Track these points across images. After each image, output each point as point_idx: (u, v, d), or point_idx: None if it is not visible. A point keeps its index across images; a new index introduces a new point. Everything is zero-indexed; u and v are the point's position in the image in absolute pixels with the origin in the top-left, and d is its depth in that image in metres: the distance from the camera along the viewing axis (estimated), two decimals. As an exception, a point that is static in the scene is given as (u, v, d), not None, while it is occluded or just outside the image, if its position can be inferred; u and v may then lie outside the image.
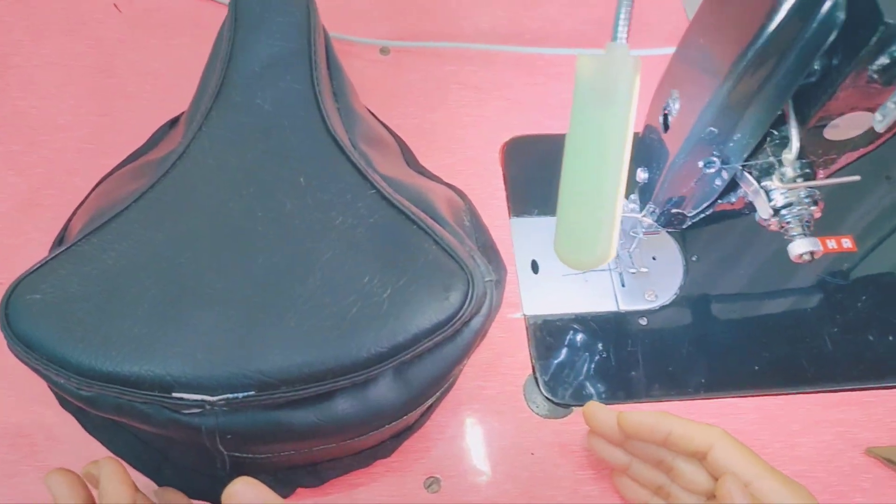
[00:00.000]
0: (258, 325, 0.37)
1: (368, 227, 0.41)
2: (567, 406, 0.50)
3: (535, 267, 0.55)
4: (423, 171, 0.55)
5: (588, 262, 0.34)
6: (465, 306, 0.39)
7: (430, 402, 0.44)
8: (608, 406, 0.44)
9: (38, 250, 0.51)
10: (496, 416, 0.49)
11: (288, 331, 0.37)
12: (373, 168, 0.45)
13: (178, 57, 0.62)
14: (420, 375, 0.40)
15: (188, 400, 0.36)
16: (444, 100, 0.62)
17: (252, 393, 0.36)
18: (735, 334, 0.53)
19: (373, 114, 0.56)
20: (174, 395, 0.36)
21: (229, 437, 0.37)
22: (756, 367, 0.52)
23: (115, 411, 0.37)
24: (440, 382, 0.41)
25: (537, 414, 0.50)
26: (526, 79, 0.64)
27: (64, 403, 0.45)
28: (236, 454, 0.39)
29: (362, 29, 0.64)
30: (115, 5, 0.65)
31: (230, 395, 0.36)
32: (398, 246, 0.41)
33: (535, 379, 0.51)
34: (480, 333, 0.41)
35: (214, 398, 0.36)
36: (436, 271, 0.40)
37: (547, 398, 0.50)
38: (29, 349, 0.37)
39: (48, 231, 0.51)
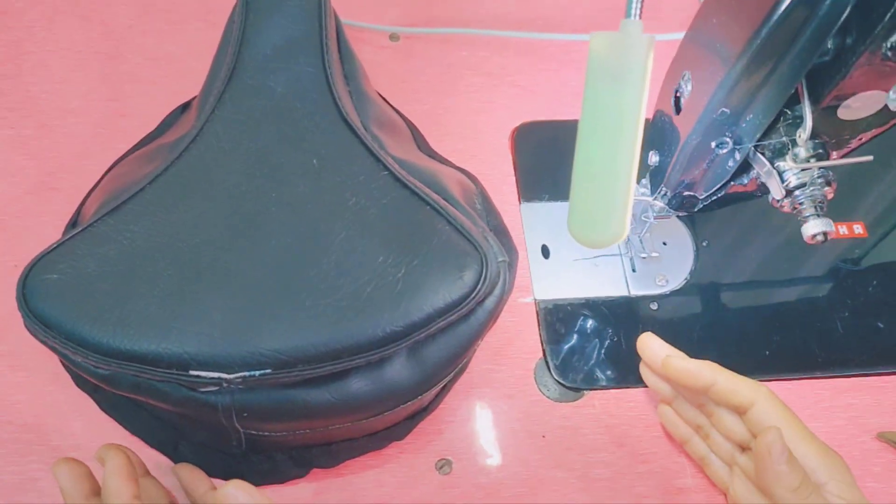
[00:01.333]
0: (274, 304, 0.38)
1: (382, 207, 0.42)
2: (578, 390, 0.50)
3: (545, 252, 0.55)
4: (433, 155, 0.55)
5: (602, 240, 0.34)
6: (479, 286, 0.39)
7: (444, 382, 0.44)
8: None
9: (51, 233, 0.51)
10: (507, 400, 0.50)
11: (303, 310, 0.37)
12: (385, 150, 0.45)
13: (188, 42, 0.62)
14: (434, 355, 0.40)
15: (205, 378, 0.36)
16: (454, 86, 0.62)
17: (269, 371, 0.36)
18: (746, 319, 0.53)
19: (384, 98, 0.56)
20: (191, 372, 0.36)
21: (245, 414, 0.38)
22: (767, 353, 0.52)
23: (132, 389, 0.38)
24: (454, 362, 0.41)
25: (548, 397, 0.50)
26: (537, 65, 0.63)
27: (80, 383, 0.46)
28: (252, 432, 0.40)
29: (372, 15, 0.64)
30: (126, -8, 0.65)
31: (247, 374, 0.36)
32: (412, 226, 0.41)
33: (546, 363, 0.51)
34: (494, 314, 0.41)
35: (231, 376, 0.36)
36: (449, 251, 0.40)
37: (557, 382, 0.50)
38: (47, 328, 0.37)
39: (61, 214, 0.52)
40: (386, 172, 0.43)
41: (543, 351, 0.51)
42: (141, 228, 0.40)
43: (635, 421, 0.49)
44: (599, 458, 0.48)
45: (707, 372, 0.42)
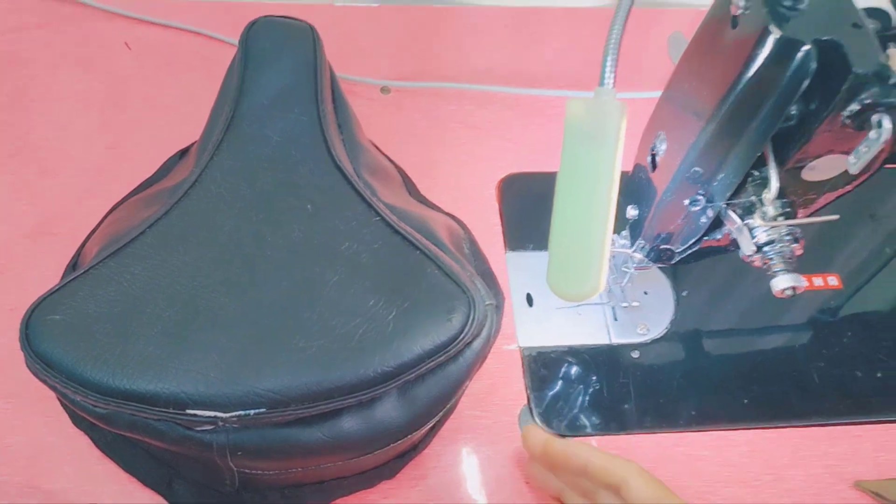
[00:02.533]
0: (269, 345, 0.39)
1: (373, 252, 0.43)
2: (562, 436, 0.51)
3: (529, 300, 0.57)
4: (424, 201, 0.57)
5: (579, 294, 0.36)
6: (467, 328, 0.41)
7: (433, 422, 0.46)
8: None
9: (50, 277, 0.53)
10: (492, 446, 0.50)
11: (297, 351, 0.39)
12: (377, 197, 0.47)
13: (186, 92, 0.64)
14: (424, 395, 0.41)
15: (202, 416, 0.37)
16: (442, 138, 0.64)
17: (263, 410, 0.38)
18: (725, 368, 0.55)
19: (376, 146, 0.59)
20: (188, 412, 0.37)
21: (240, 453, 0.39)
22: (745, 401, 0.53)
23: (129, 428, 0.39)
24: (443, 402, 0.43)
25: (531, 444, 0.51)
26: (522, 118, 0.66)
27: (76, 421, 0.47)
28: (245, 470, 0.41)
29: (365, 69, 0.66)
30: (126, 44, 0.68)
31: (242, 412, 0.37)
32: (402, 270, 0.43)
33: (530, 409, 0.52)
34: (481, 355, 0.43)
35: (227, 415, 0.37)
36: (438, 295, 0.42)
37: (541, 428, 0.51)
38: (48, 367, 0.38)
39: (59, 258, 0.53)
40: (377, 218, 0.45)
41: (528, 397, 0.52)
42: (141, 271, 0.42)
43: (616, 468, 0.50)
44: (581, 505, 0.49)
45: (583, 452, 0.43)
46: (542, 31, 0.73)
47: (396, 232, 0.45)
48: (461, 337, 0.40)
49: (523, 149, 0.64)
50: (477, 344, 0.42)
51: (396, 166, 0.59)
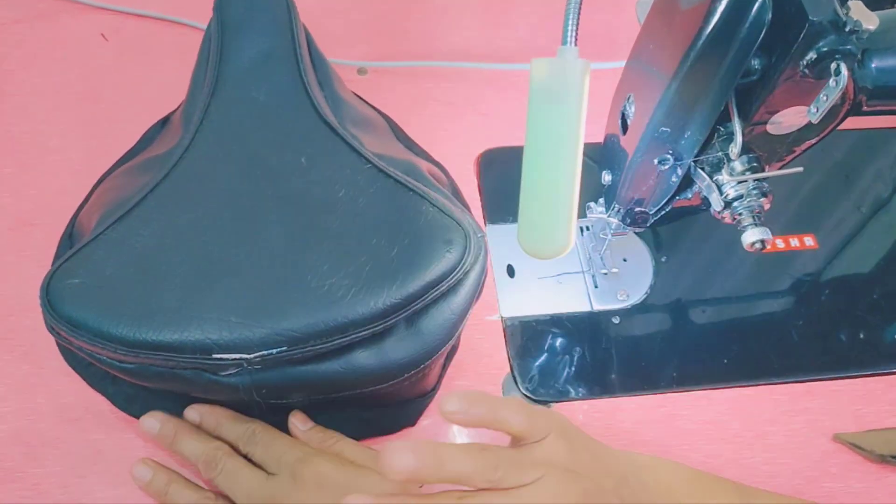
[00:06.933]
0: (283, 288, 0.41)
1: (369, 196, 0.45)
2: (545, 402, 0.52)
3: (510, 271, 0.57)
4: (411, 146, 0.59)
5: (549, 251, 0.36)
6: (465, 257, 0.44)
7: (441, 359, 0.47)
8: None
9: (33, 266, 0.53)
10: (476, 414, 0.51)
11: (311, 291, 0.41)
12: (364, 147, 0.49)
13: (163, 80, 0.65)
14: (429, 325, 0.44)
15: (227, 360, 0.39)
16: (420, 116, 0.64)
17: (284, 349, 0.40)
18: (705, 330, 0.56)
19: (359, 96, 0.60)
20: (214, 356, 0.39)
21: (264, 390, 0.42)
22: (726, 361, 0.54)
23: (157, 379, 0.41)
24: (447, 333, 0.45)
25: (515, 411, 0.51)
26: (499, 94, 0.66)
27: (94, 382, 0.48)
28: (271, 401, 0.43)
29: (341, 51, 0.67)
30: (102, 35, 0.68)
31: (265, 352, 0.40)
32: (398, 210, 0.45)
33: (514, 377, 0.53)
34: (479, 284, 0.46)
35: (251, 356, 0.39)
36: (435, 229, 0.44)
37: (525, 395, 0.52)
38: (75, 328, 0.40)
39: (41, 248, 0.54)
40: (369, 165, 0.47)
41: (511, 366, 0.53)
42: (150, 232, 0.43)
43: (602, 430, 0.51)
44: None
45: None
46: (513, 9, 0.73)
47: (389, 176, 0.47)
48: (461, 265, 0.43)
49: (500, 123, 0.64)
50: (474, 273, 0.45)
51: (381, 114, 0.61)
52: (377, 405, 0.48)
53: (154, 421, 0.44)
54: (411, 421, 0.50)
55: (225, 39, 0.52)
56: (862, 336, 0.56)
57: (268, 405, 0.44)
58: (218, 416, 0.45)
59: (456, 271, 0.43)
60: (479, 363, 0.53)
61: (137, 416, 0.46)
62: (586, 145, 0.38)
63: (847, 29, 0.35)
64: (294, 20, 0.53)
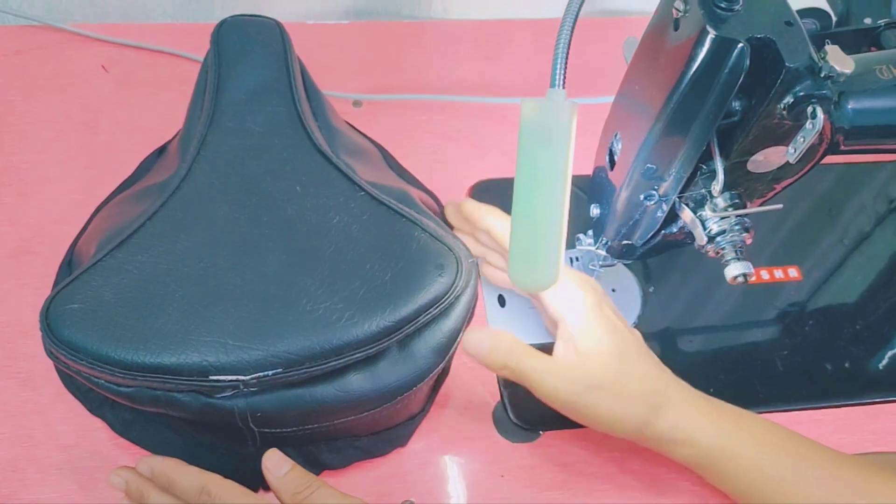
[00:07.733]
0: (279, 311, 0.42)
1: (363, 223, 0.47)
2: (535, 430, 0.53)
3: (501, 301, 0.58)
4: (403, 174, 0.61)
5: (538, 284, 0.37)
6: (457, 281, 0.45)
7: (431, 380, 0.48)
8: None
9: (32, 294, 0.54)
10: (467, 442, 0.52)
11: (305, 314, 0.42)
12: (357, 175, 0.50)
13: (161, 112, 0.66)
14: (422, 348, 0.45)
15: (224, 381, 0.40)
16: (414, 147, 0.66)
17: (280, 370, 0.41)
18: (691, 359, 0.57)
19: (352, 126, 0.61)
20: (211, 378, 0.40)
21: (259, 415, 0.42)
22: (711, 390, 0.54)
23: (153, 403, 0.42)
24: (439, 355, 0.46)
25: (506, 439, 0.52)
26: (491, 127, 0.68)
27: (94, 408, 0.49)
28: (266, 430, 0.44)
29: (337, 84, 0.68)
30: (103, 66, 0.69)
31: (261, 374, 0.41)
32: (391, 236, 0.46)
33: (504, 406, 0.53)
34: (469, 308, 0.47)
35: (247, 378, 0.40)
36: (427, 254, 0.46)
37: (515, 424, 0.53)
38: (73, 352, 0.41)
39: (40, 276, 0.54)
40: (362, 193, 0.49)
41: (501, 395, 0.54)
42: (148, 259, 0.44)
43: (591, 458, 0.52)
44: (557, 496, 0.50)
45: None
46: (507, 43, 0.75)
47: (381, 203, 0.48)
48: (452, 289, 0.45)
49: (492, 156, 0.66)
50: (465, 297, 0.46)
51: (374, 143, 0.63)
52: (368, 433, 0.49)
53: (120, 480, 0.44)
54: (402, 442, 0.51)
55: (221, 71, 0.53)
56: (846, 366, 0.57)
57: (262, 434, 0.44)
58: (169, 472, 0.43)
59: (448, 295, 0.45)
60: (471, 392, 0.54)
61: (135, 442, 0.46)
62: (576, 177, 0.39)
63: (822, 74, 0.36)
64: (289, 53, 0.55)
